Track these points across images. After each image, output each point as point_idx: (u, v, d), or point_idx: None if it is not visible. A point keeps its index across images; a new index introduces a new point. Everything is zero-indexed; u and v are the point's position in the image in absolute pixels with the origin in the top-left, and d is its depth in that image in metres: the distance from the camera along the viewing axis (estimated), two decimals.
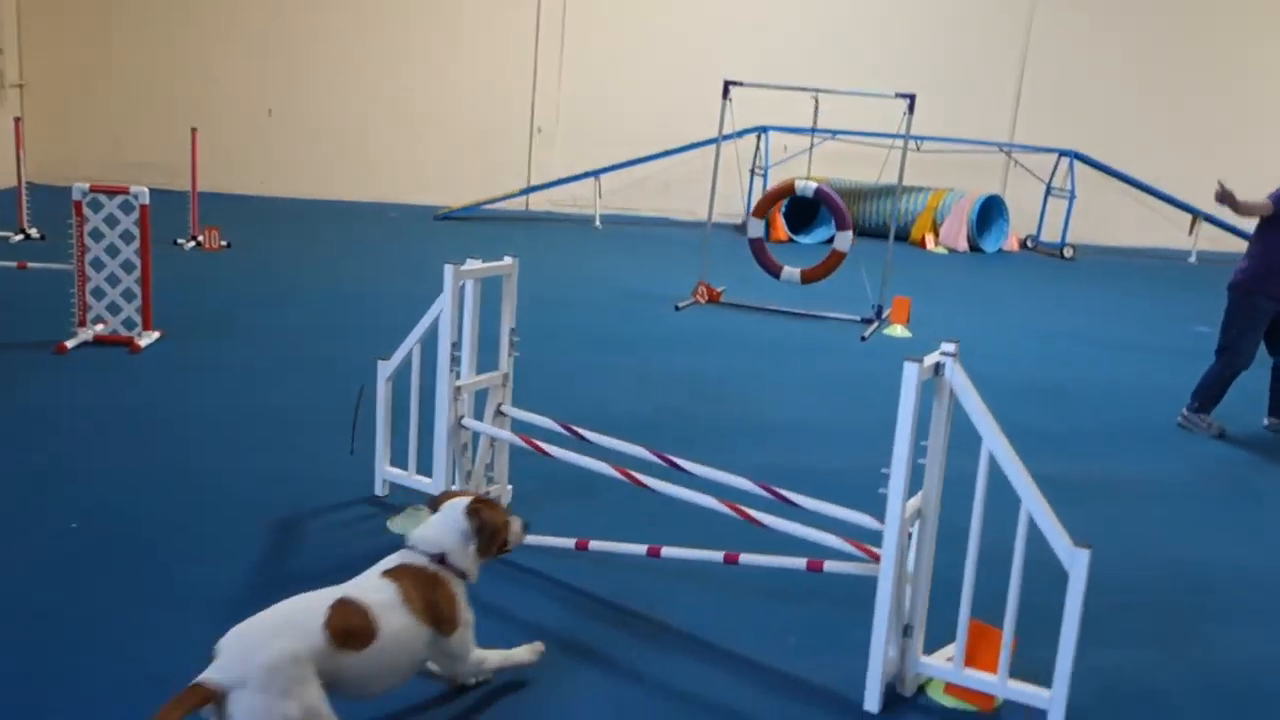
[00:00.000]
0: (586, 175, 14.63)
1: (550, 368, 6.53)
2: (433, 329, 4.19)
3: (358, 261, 10.65)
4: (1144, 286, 13.32)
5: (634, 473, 3.77)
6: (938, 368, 3.07)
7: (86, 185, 6.59)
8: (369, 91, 15.45)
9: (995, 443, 3.04)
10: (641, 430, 4.93)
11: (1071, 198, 15.25)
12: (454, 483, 4.23)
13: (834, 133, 13.66)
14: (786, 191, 9.05)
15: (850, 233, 8.94)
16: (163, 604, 3.51)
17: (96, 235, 6.60)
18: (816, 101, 8.93)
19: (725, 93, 9.12)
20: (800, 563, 3.46)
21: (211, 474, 4.66)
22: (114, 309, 6.66)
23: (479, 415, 4.34)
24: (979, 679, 3.20)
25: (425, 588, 2.84)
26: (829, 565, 3.41)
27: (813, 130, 9.06)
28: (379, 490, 4.53)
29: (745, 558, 3.56)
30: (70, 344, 6.47)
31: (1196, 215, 15.68)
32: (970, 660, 3.21)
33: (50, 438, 5.01)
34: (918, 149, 15.34)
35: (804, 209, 14.62)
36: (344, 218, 13.79)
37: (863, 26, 15.82)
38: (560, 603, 3.74)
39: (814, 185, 8.88)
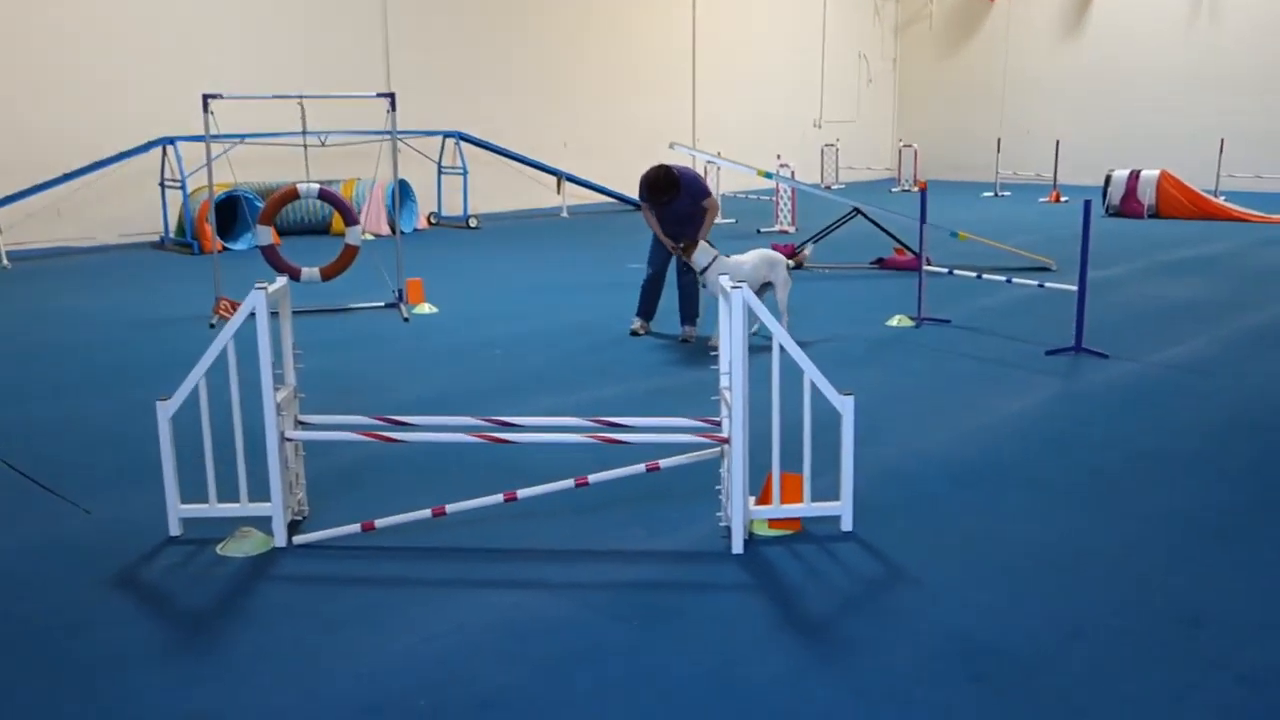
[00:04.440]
0: None
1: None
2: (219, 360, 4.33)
3: None
4: (550, 240, 15.44)
5: (492, 434, 4.40)
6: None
7: None
8: None
9: (784, 337, 4.26)
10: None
11: (464, 174, 16.97)
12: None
13: (242, 136, 13.77)
14: (291, 196, 9.32)
15: (360, 227, 9.54)
16: None
17: None
18: (303, 107, 9.29)
19: (205, 106, 9.12)
20: (640, 468, 4.41)
21: None
22: None
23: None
24: (792, 510, 4.45)
25: None
26: (664, 462, 4.41)
27: (304, 134, 9.42)
28: (175, 530, 4.50)
29: (594, 477, 4.41)
30: None
31: (560, 176, 18.31)
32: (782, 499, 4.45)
33: None
34: (322, 144, 15.93)
35: (230, 217, 14.51)
36: None
37: (223, 26, 15.77)
38: (429, 559, 4.26)
39: (317, 187, 9.30)
